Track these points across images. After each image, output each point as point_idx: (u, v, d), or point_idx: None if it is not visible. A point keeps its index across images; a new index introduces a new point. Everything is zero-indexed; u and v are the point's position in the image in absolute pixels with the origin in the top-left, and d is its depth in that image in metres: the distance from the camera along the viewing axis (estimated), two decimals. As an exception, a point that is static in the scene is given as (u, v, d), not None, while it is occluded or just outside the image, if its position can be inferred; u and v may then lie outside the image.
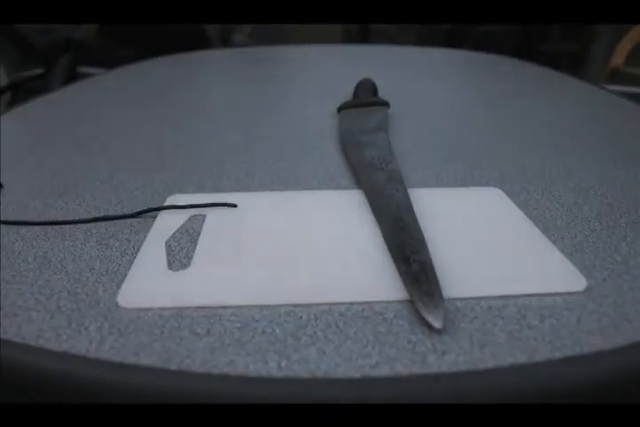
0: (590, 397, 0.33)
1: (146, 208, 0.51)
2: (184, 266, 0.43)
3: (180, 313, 0.37)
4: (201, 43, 1.80)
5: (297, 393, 0.31)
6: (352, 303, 0.38)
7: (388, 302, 0.38)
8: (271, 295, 0.39)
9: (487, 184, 0.58)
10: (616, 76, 1.90)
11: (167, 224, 0.49)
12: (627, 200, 0.55)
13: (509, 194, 0.56)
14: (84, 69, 2.06)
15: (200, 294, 0.39)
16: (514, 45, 3.05)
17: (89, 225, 0.49)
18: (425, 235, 0.47)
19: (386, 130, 0.70)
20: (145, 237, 0.47)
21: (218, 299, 0.38)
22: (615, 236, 0.48)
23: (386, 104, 0.80)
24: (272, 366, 0.32)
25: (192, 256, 0.44)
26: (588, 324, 0.36)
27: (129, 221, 0.50)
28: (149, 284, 0.40)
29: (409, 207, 0.49)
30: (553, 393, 0.32)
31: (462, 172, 0.62)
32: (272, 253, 0.44)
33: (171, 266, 0.43)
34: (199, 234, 0.47)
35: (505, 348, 0.34)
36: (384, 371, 0.32)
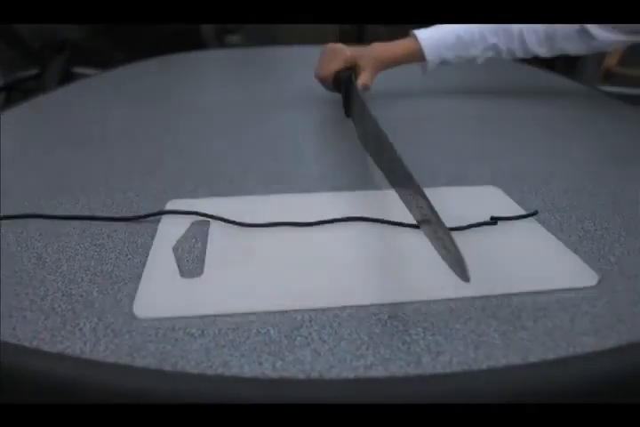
0: (585, 397, 0.33)
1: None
2: (197, 273, 0.42)
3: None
4: (196, 43, 1.79)
5: (292, 394, 0.31)
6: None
7: (382, 304, 0.38)
8: (288, 300, 0.38)
9: (481, 184, 0.58)
10: (610, 78, 1.91)
11: (172, 230, 0.48)
12: (620, 201, 0.55)
13: (506, 193, 0.56)
14: (78, 70, 2.05)
15: (218, 302, 0.38)
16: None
17: (84, 226, 0.49)
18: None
19: None
20: (140, 238, 0.47)
21: (236, 306, 0.38)
22: (609, 236, 0.48)
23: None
24: (267, 367, 0.32)
25: (203, 263, 0.43)
26: (582, 325, 0.36)
27: (123, 222, 0.50)
28: (164, 293, 0.39)
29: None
30: (547, 393, 0.32)
31: (457, 172, 0.62)
32: (282, 259, 0.44)
33: (183, 273, 0.42)
34: (206, 240, 0.47)
35: (499, 349, 0.34)
36: (379, 372, 0.32)
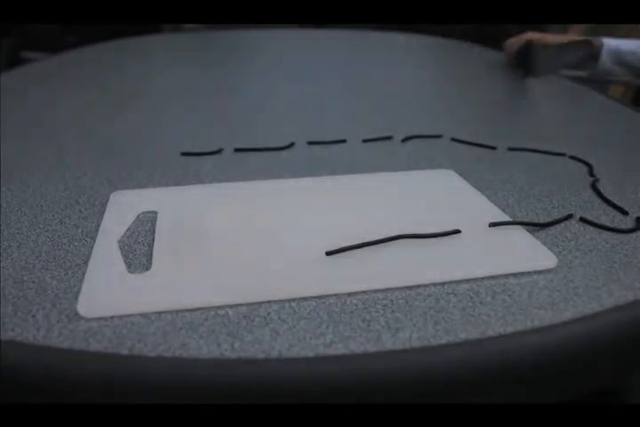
0: (543, 369, 0.34)
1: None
2: (145, 268, 0.40)
3: (130, 298, 0.36)
4: (150, 27, 1.73)
5: (251, 374, 0.30)
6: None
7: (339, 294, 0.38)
8: (242, 294, 0.36)
9: (440, 166, 0.58)
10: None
11: (116, 222, 0.46)
12: (573, 180, 0.56)
13: (461, 175, 0.56)
14: (27, 54, 1.97)
15: (169, 298, 0.36)
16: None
17: (35, 212, 0.48)
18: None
19: None
20: (92, 222, 0.46)
21: (188, 302, 0.36)
22: (566, 213, 0.49)
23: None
24: (225, 347, 0.32)
25: (151, 257, 0.41)
26: (539, 299, 0.37)
27: (77, 206, 0.49)
28: (111, 290, 0.37)
29: None
30: (505, 366, 0.33)
31: (415, 154, 0.63)
32: (233, 250, 0.41)
33: (130, 268, 0.40)
34: (153, 232, 0.45)
35: (458, 324, 0.34)
36: (338, 350, 0.32)
